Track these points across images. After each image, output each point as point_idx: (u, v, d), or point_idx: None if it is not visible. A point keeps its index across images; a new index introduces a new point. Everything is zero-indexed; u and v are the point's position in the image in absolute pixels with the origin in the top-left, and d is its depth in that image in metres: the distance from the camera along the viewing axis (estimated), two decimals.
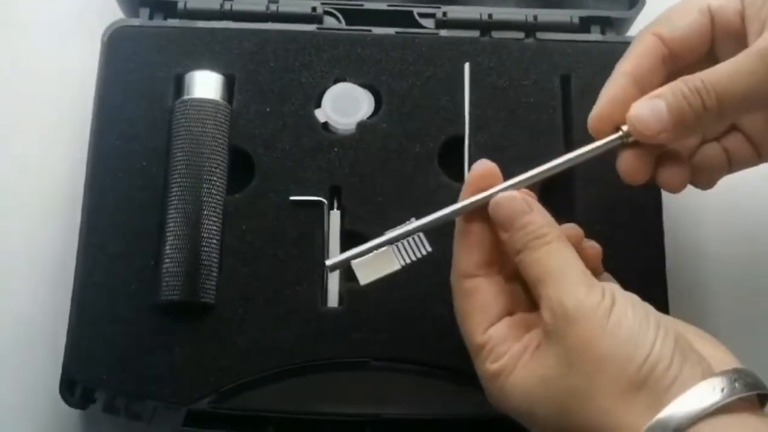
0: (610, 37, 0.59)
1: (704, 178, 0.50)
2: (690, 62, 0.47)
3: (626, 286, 0.43)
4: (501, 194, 0.43)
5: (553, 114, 0.56)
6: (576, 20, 0.59)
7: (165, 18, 0.58)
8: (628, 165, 0.46)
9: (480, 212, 0.44)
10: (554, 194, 0.52)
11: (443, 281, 0.47)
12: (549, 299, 0.41)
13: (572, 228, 0.46)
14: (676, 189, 0.48)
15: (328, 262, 0.45)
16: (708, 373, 0.39)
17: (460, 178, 0.55)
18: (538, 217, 0.43)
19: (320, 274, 0.53)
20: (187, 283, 0.51)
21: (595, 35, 0.59)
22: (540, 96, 0.57)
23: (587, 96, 0.54)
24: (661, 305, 0.50)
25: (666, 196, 0.55)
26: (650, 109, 0.44)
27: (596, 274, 0.46)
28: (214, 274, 0.52)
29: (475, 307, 0.44)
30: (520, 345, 0.42)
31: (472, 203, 0.45)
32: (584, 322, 0.39)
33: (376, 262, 0.45)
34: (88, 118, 0.56)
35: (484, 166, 0.45)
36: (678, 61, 0.47)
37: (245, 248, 0.53)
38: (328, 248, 0.53)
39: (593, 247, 0.47)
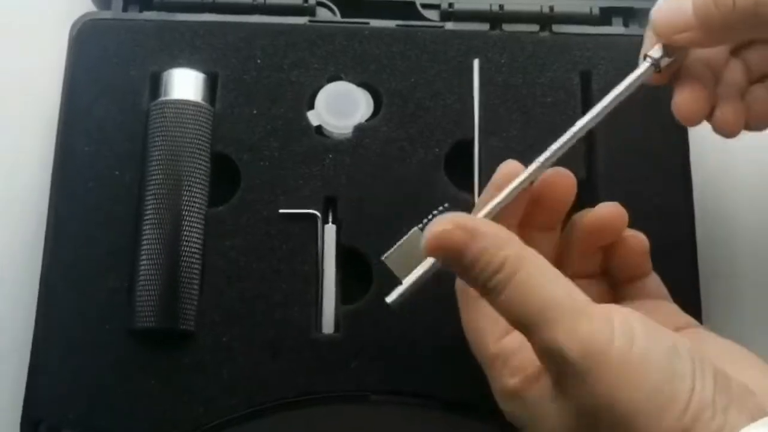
0: (634, 29, 0.55)
1: (757, 118, 0.45)
2: None
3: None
4: (430, 231, 0.36)
5: (572, 115, 0.52)
6: (596, 11, 0.55)
7: (140, 10, 0.55)
8: (684, 102, 0.43)
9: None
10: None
11: (445, 302, 0.44)
12: (543, 348, 0.34)
13: (608, 209, 0.42)
14: (731, 130, 0.44)
15: (389, 299, 0.39)
16: (758, 411, 0.33)
17: (469, 187, 0.51)
18: (487, 241, 0.35)
19: (314, 295, 0.49)
20: (164, 308, 0.48)
21: (617, 27, 0.56)
22: (558, 95, 0.53)
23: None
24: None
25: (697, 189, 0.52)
26: (673, 7, 0.41)
27: (639, 276, 0.43)
28: (195, 297, 0.49)
29: (485, 316, 0.39)
30: (538, 365, 0.37)
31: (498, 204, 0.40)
32: (597, 372, 0.33)
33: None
34: (55, 121, 0.52)
35: (511, 167, 0.41)
36: None
37: (229, 267, 0.49)
38: (322, 267, 0.50)
39: (636, 237, 0.42)
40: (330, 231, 0.50)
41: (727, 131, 0.44)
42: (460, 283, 0.41)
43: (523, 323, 0.35)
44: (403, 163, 0.51)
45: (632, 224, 0.48)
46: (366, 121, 0.52)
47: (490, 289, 0.35)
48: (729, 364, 0.35)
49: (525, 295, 0.34)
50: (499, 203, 0.40)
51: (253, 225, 0.50)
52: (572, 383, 0.34)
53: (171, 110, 0.50)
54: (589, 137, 0.51)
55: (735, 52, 0.46)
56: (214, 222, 0.50)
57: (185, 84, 0.52)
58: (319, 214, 0.50)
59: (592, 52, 0.54)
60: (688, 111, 0.43)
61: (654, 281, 0.44)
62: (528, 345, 0.36)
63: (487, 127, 0.52)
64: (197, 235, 0.50)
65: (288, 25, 0.54)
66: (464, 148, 0.52)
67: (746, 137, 0.46)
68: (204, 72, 0.52)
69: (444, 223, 0.36)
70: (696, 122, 0.44)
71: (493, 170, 0.48)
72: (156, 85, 0.52)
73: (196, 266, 0.49)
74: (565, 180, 0.42)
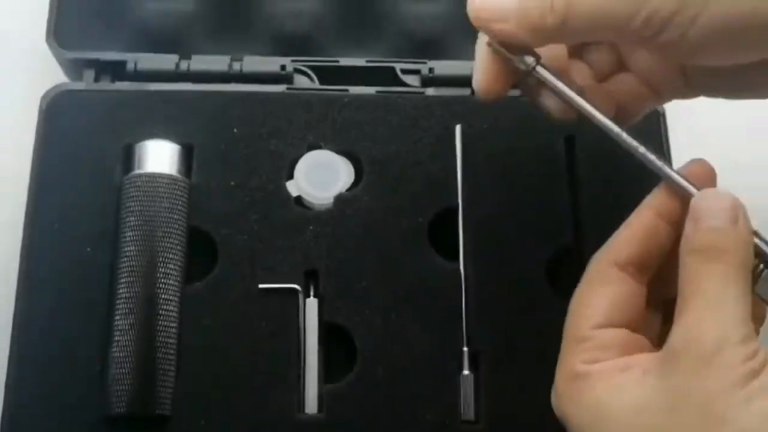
0: None
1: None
2: None
3: None
4: (713, 190, 0.37)
5: (558, 181, 0.52)
6: None
7: (113, 80, 0.54)
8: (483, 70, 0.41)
9: (668, 209, 0.39)
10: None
11: (434, 381, 0.45)
12: (687, 324, 0.34)
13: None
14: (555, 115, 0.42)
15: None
16: None
17: (454, 257, 0.50)
18: (737, 232, 0.36)
19: (296, 375, 0.48)
20: (139, 393, 0.46)
21: None
22: (542, 161, 0.53)
23: (596, 159, 0.52)
24: None
25: None
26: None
27: None
28: (171, 380, 0.47)
29: (599, 297, 0.38)
30: (623, 360, 0.36)
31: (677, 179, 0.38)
32: (716, 373, 0.33)
33: None
34: (23, 197, 0.50)
35: (703, 168, 0.39)
36: None
37: (207, 347, 0.48)
38: (304, 344, 0.48)
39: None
40: (312, 306, 0.49)
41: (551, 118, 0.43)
42: (597, 258, 0.40)
43: (691, 295, 0.35)
44: (386, 233, 0.50)
45: None
46: (347, 190, 0.52)
47: (703, 250, 0.35)
48: None
49: (719, 281, 0.35)
50: None
51: (231, 302, 0.49)
52: (690, 365, 0.33)
53: (145, 184, 0.49)
54: (574, 206, 0.51)
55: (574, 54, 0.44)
56: (191, 299, 0.49)
57: (159, 156, 0.51)
58: (300, 288, 0.49)
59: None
60: (485, 78, 0.41)
61: None
62: (617, 346, 0.37)
63: (472, 195, 0.51)
64: (173, 314, 0.48)
65: (265, 93, 0.54)
66: (448, 217, 0.51)
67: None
68: (179, 143, 0.51)
69: (726, 194, 0.37)
70: (492, 95, 0.42)
71: (479, 239, 0.48)
72: (129, 157, 0.51)
73: (172, 347, 0.47)
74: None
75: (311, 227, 0.50)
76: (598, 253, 0.40)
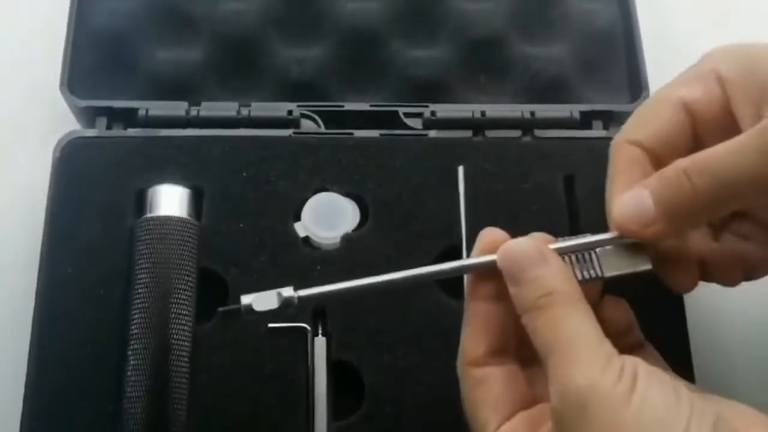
0: (614, 132, 0.49)
1: (721, 275, 0.45)
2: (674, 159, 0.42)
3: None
4: (512, 241, 0.39)
5: (558, 220, 0.53)
6: (576, 115, 0.56)
7: (125, 127, 0.55)
8: (669, 280, 0.43)
9: (489, 290, 0.40)
10: None
11: (442, 419, 0.45)
12: (557, 377, 0.36)
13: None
14: (684, 289, 0.45)
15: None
16: None
17: (459, 295, 0.49)
18: (552, 271, 0.38)
19: (305, 412, 0.48)
20: (152, 431, 0.46)
21: (597, 131, 0.56)
22: (543, 200, 0.53)
23: (594, 197, 0.50)
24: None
25: None
26: (633, 202, 0.40)
27: (627, 344, 0.41)
28: (183, 419, 0.47)
29: (484, 400, 0.39)
30: None
31: (479, 263, 0.40)
32: (599, 408, 0.34)
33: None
34: (38, 241, 0.51)
35: (493, 234, 0.41)
36: (664, 162, 0.42)
37: (218, 386, 0.48)
38: (313, 381, 0.49)
39: (618, 305, 0.42)
40: (320, 344, 0.49)
41: (679, 290, 0.45)
42: (460, 365, 0.41)
43: (548, 349, 0.36)
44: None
45: None
46: (353, 231, 0.52)
47: (533, 307, 0.37)
48: (730, 416, 0.35)
49: (560, 323, 0.36)
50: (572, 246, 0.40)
51: (242, 341, 0.49)
52: (574, 414, 0.35)
53: (157, 227, 0.50)
54: None
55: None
56: (203, 339, 0.49)
57: (170, 200, 0.51)
58: (308, 327, 0.49)
59: (574, 156, 0.54)
60: (683, 287, 0.44)
61: (645, 350, 0.43)
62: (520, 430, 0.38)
63: (475, 234, 0.48)
64: (185, 354, 0.48)
65: (273, 138, 0.54)
66: (453, 255, 0.51)
67: None
68: (189, 187, 0.52)
69: (526, 240, 0.39)
70: (688, 289, 0.44)
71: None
72: (141, 202, 0.51)
73: (184, 386, 0.48)
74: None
75: (319, 267, 0.51)
76: (458, 360, 0.41)
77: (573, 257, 0.40)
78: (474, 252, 0.41)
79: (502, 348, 0.40)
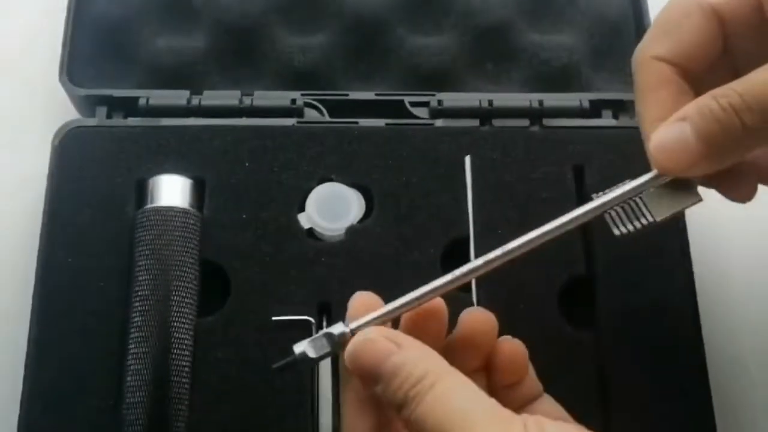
0: (624, 121, 0.55)
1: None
2: (704, 72, 0.40)
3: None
4: (354, 339, 0.36)
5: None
6: (585, 104, 0.55)
7: (125, 117, 0.54)
8: (728, 195, 0.40)
9: (356, 384, 0.38)
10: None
11: None
12: None
13: (476, 319, 0.39)
14: (745, 199, 0.41)
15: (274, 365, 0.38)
16: None
17: (467, 287, 0.49)
18: (410, 352, 0.35)
19: (310, 408, 0.47)
20: (153, 427, 0.46)
21: (607, 120, 0.55)
22: (552, 190, 0.52)
23: (605, 188, 0.48)
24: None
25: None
26: (673, 138, 0.37)
27: (523, 396, 0.40)
28: (185, 416, 0.47)
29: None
30: None
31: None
32: None
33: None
34: (37, 232, 0.50)
35: (363, 298, 0.39)
36: (693, 76, 0.40)
37: (221, 381, 0.47)
38: (318, 377, 0.48)
39: (512, 346, 0.40)
40: None
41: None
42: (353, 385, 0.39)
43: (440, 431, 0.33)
44: (398, 264, 0.50)
45: (634, 322, 0.49)
46: (358, 222, 0.51)
47: (409, 398, 0.34)
48: None
49: (446, 403, 0.33)
50: (401, 306, 0.38)
51: (245, 335, 0.48)
52: None
53: (158, 218, 0.49)
54: (585, 232, 0.50)
55: None
56: (205, 333, 0.48)
57: (172, 190, 0.51)
58: (313, 320, 0.49)
59: (583, 146, 0.53)
60: (743, 198, 0.41)
61: (531, 386, 0.41)
62: None
63: (483, 225, 0.51)
64: (186, 348, 0.48)
65: (276, 127, 0.54)
66: (460, 247, 0.51)
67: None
68: (191, 177, 0.51)
69: (369, 333, 0.36)
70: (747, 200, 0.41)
71: (491, 269, 0.47)
72: (142, 192, 0.51)
73: (185, 382, 0.47)
74: (486, 321, 0.40)
75: (323, 259, 0.50)
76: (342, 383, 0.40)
77: (617, 211, 0.39)
78: (351, 315, 0.38)
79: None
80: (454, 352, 0.39)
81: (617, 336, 0.49)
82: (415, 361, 0.35)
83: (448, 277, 0.38)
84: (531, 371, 0.41)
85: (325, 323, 0.49)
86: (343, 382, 0.39)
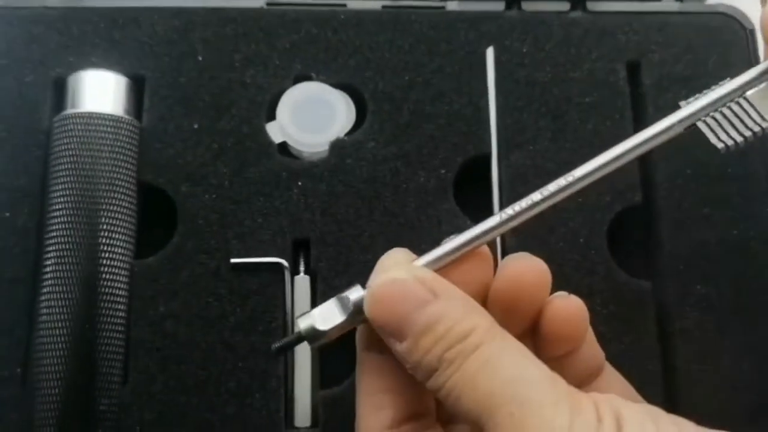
0: (691, 5, 0.49)
1: None
2: None
3: None
4: (377, 280, 0.32)
5: (619, 119, 0.46)
6: None
7: None
8: None
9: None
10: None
11: None
12: None
13: (522, 268, 0.34)
14: None
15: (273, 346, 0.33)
16: None
17: (481, 210, 0.44)
18: (451, 303, 0.31)
19: (283, 378, 0.42)
20: (73, 405, 0.40)
21: (669, 3, 0.50)
22: (598, 93, 0.46)
23: (667, 90, 0.46)
24: None
25: None
26: None
27: (585, 369, 0.35)
28: (116, 389, 0.41)
29: (371, 401, 0.34)
30: None
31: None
32: None
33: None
34: None
35: (398, 255, 0.34)
36: None
37: (164, 342, 0.42)
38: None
39: (567, 305, 0.34)
40: (301, 285, 0.43)
41: None
42: (365, 352, 0.34)
43: (484, 412, 0.29)
44: (398, 190, 0.44)
45: (701, 271, 0.44)
46: (346, 134, 0.46)
47: (445, 362, 0.30)
48: None
49: (494, 371, 0.30)
50: (444, 255, 0.33)
51: (196, 281, 0.43)
52: None
53: (81, 126, 0.43)
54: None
55: None
56: (143, 279, 0.43)
57: (100, 91, 0.45)
58: (285, 263, 0.43)
59: (640, 36, 0.48)
60: None
61: (591, 357, 0.36)
62: None
63: (508, 139, 0.46)
64: (120, 300, 0.42)
65: (239, 10, 0.48)
66: (479, 167, 0.46)
67: None
68: (125, 74, 0.46)
69: (398, 272, 0.32)
70: None
71: (518, 196, 0.41)
72: (61, 93, 0.45)
73: (118, 344, 0.41)
74: (533, 274, 0.34)
75: (300, 183, 0.44)
76: (359, 351, 0.35)
77: (716, 118, 0.33)
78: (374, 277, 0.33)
79: (416, 412, 0.33)
80: (495, 307, 0.34)
81: (682, 286, 0.43)
82: (456, 314, 0.30)
83: (509, 211, 0.33)
84: (591, 337, 0.35)
85: (301, 266, 0.43)
86: (360, 343, 0.34)
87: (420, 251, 0.41)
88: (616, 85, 0.46)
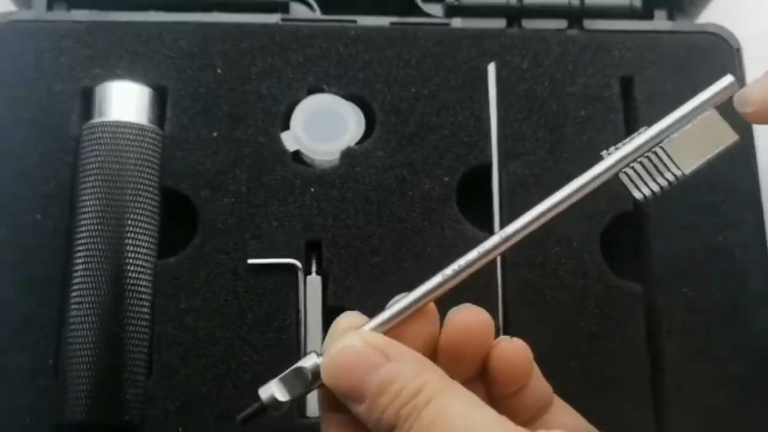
0: (682, 24, 0.51)
1: None
2: None
3: None
4: (332, 349, 0.33)
5: (613, 131, 0.47)
6: (636, 2, 0.50)
7: (68, 8, 0.50)
8: None
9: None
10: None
11: None
12: None
13: (466, 319, 0.35)
14: None
15: (239, 416, 0.33)
16: None
17: (487, 226, 0.46)
18: (402, 364, 0.32)
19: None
20: (101, 395, 0.41)
21: (661, 22, 0.51)
22: (594, 107, 0.48)
23: (658, 105, 0.48)
24: None
25: None
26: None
27: (531, 405, 0.36)
28: (141, 379, 0.42)
29: None
30: None
31: None
32: None
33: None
34: None
35: (349, 320, 0.34)
36: None
37: (185, 337, 0.43)
38: (305, 332, 0.44)
39: (511, 348, 0.35)
40: (314, 284, 0.44)
41: None
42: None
43: None
44: (404, 196, 0.46)
45: (688, 275, 0.45)
46: (356, 144, 0.48)
47: (401, 418, 0.31)
48: None
49: (446, 422, 0.30)
50: (392, 317, 0.33)
51: (215, 280, 0.44)
52: None
53: (108, 134, 0.45)
54: None
55: None
56: (166, 278, 0.44)
57: (125, 101, 0.46)
58: (299, 264, 0.44)
59: (633, 53, 0.49)
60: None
61: (539, 392, 0.37)
62: None
63: (508, 149, 0.47)
64: (144, 297, 0.43)
65: (256, 26, 0.49)
66: (480, 175, 0.47)
67: None
68: (149, 85, 0.47)
69: (350, 339, 0.32)
70: None
71: (517, 203, 0.44)
72: (88, 103, 0.47)
73: (142, 338, 0.43)
74: (476, 324, 0.35)
75: (312, 189, 0.46)
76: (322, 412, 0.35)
77: (635, 168, 0.34)
78: (328, 342, 0.34)
79: None
80: (443, 359, 0.35)
81: (671, 289, 0.44)
82: (407, 373, 0.31)
83: (449, 271, 0.33)
84: (537, 374, 0.36)
85: (313, 267, 0.44)
86: (322, 405, 0.34)
87: (425, 254, 0.44)
88: (610, 99, 0.47)
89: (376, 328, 0.33)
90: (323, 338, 0.41)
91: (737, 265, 0.45)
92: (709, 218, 0.45)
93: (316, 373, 0.32)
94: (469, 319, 0.35)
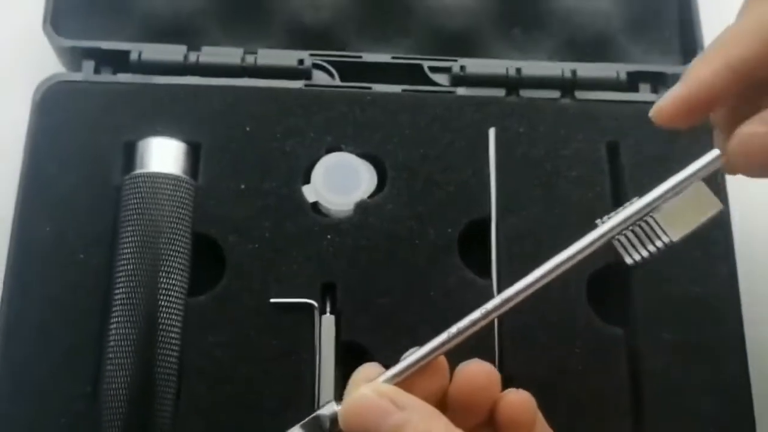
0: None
1: None
2: None
3: None
4: (348, 399, 0.35)
5: (600, 190, 0.49)
6: (623, 76, 0.52)
7: (114, 72, 0.51)
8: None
9: None
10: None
11: None
12: None
13: (474, 374, 0.36)
14: None
15: None
16: None
17: (487, 273, 0.47)
18: (412, 413, 0.33)
19: (311, 400, 0.45)
20: (135, 416, 0.43)
21: (645, 94, 0.53)
22: (583, 168, 0.50)
23: (641, 167, 0.50)
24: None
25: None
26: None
27: None
28: (171, 403, 0.44)
29: None
30: None
31: None
32: None
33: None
34: (13, 196, 0.47)
35: (368, 371, 0.36)
36: None
37: (212, 368, 0.45)
38: (320, 365, 0.45)
39: (516, 400, 0.37)
40: (328, 323, 0.46)
41: None
42: None
43: None
44: (412, 245, 0.48)
45: (669, 322, 0.46)
46: (369, 197, 0.49)
47: None
48: None
49: None
50: (404, 370, 0.35)
51: (240, 317, 0.46)
52: None
53: (147, 185, 0.47)
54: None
55: None
56: (195, 314, 0.46)
57: (163, 155, 0.48)
58: (315, 303, 0.46)
59: (619, 122, 0.51)
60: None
61: None
62: None
63: (506, 205, 0.49)
64: (175, 331, 0.45)
65: (281, 90, 0.51)
66: (480, 227, 0.48)
67: None
68: (185, 141, 0.48)
69: (365, 389, 0.34)
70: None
71: (514, 252, 0.47)
72: (130, 156, 0.48)
73: (173, 368, 0.44)
74: (484, 377, 0.37)
75: (329, 236, 0.47)
76: None
77: (627, 236, 0.35)
78: (347, 392, 0.36)
79: None
80: (453, 408, 0.36)
81: (651, 333, 0.46)
82: (417, 422, 0.33)
83: (454, 329, 0.36)
84: (541, 421, 0.38)
85: (328, 307, 0.46)
86: None
87: (429, 296, 0.46)
88: (598, 161, 0.49)
89: (390, 380, 0.35)
90: (335, 372, 0.45)
91: (712, 312, 0.47)
92: (687, 270, 0.47)
93: (334, 419, 0.34)
94: (477, 372, 0.36)
